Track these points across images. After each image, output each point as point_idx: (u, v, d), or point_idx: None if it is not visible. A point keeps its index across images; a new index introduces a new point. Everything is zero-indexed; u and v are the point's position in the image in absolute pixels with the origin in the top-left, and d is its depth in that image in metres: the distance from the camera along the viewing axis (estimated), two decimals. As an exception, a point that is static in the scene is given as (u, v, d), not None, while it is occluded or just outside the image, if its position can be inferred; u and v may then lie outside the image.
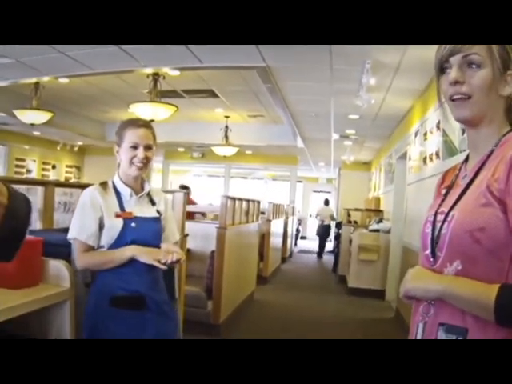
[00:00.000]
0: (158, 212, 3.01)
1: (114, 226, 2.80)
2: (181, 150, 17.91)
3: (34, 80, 8.43)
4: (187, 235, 4.79)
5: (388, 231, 9.95)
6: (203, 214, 8.96)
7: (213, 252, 6.31)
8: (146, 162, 2.89)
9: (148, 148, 2.90)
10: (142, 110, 8.11)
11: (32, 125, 9.85)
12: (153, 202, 3.05)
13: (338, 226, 14.14)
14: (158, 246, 2.89)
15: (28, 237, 2.98)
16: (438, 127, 5.89)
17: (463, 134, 4.64)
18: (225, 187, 18.99)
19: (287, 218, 14.77)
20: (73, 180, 17.28)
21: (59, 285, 2.81)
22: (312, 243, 22.74)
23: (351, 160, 15.15)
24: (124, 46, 5.90)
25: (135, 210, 2.90)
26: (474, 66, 1.44)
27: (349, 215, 12.90)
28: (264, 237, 10.69)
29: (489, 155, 1.48)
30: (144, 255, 2.74)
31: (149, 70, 7.53)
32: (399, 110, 8.51)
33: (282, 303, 9.02)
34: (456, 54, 1.46)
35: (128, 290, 2.77)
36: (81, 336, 2.82)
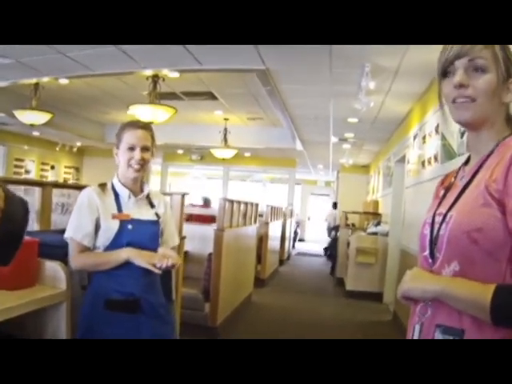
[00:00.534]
0: (156, 215, 3.00)
1: (110, 228, 2.80)
2: (180, 152, 17.91)
3: (33, 80, 8.43)
4: (184, 237, 4.79)
5: (386, 234, 9.95)
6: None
7: (210, 254, 6.30)
8: (143, 163, 2.88)
9: (145, 149, 2.89)
10: (141, 112, 8.12)
11: (31, 125, 9.86)
12: (152, 205, 3.04)
13: (336, 228, 14.14)
14: (154, 250, 2.87)
15: (24, 237, 2.97)
16: (436, 131, 5.89)
17: (462, 137, 4.65)
18: (223, 189, 18.98)
19: (285, 220, 14.76)
20: (71, 181, 17.27)
21: (55, 286, 2.80)
22: (310, 246, 22.76)
23: (350, 163, 15.16)
24: (124, 48, 5.90)
25: (133, 212, 2.89)
26: (479, 71, 1.45)
27: (346, 218, 12.89)
28: (262, 239, 10.68)
29: (487, 157, 1.48)
30: (139, 258, 2.74)
31: (148, 72, 7.53)
32: (398, 113, 8.51)
33: (279, 306, 9.00)
34: (462, 58, 1.46)
35: (123, 292, 2.76)
36: (76, 338, 2.81)
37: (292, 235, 18.31)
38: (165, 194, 3.61)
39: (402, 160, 8.76)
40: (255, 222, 8.97)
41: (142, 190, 3.01)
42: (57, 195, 4.21)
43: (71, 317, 2.81)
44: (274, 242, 12.25)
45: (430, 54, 4.96)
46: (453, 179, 1.65)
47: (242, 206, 7.66)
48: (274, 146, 14.15)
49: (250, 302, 8.62)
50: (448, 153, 5.25)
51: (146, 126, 2.99)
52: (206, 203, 9.90)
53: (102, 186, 2.93)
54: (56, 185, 4.92)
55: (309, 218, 26.80)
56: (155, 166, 17.84)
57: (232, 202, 6.93)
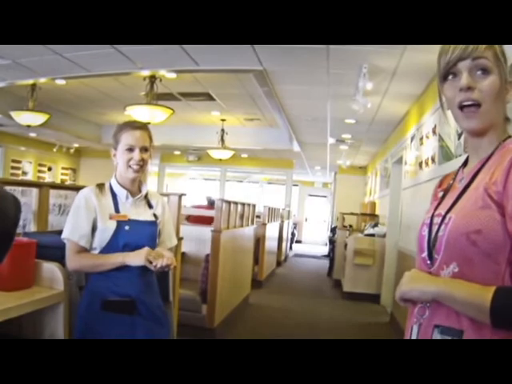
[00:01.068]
0: (154, 216, 3.00)
1: (107, 228, 2.79)
2: (177, 153, 17.90)
3: (30, 81, 8.41)
4: (182, 238, 4.79)
5: (383, 236, 9.95)
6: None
7: (208, 255, 6.30)
8: (143, 164, 2.88)
9: (144, 150, 2.89)
10: (138, 113, 8.10)
11: (28, 126, 9.83)
12: (150, 205, 3.04)
13: (333, 230, 14.14)
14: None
15: (22, 239, 2.97)
16: (434, 132, 5.89)
17: (459, 138, 4.64)
18: (220, 190, 18.97)
19: (282, 221, 14.76)
20: (68, 182, 17.26)
21: (53, 287, 2.80)
22: (308, 247, 22.77)
23: (347, 164, 15.16)
24: (121, 48, 5.89)
25: (131, 212, 2.89)
26: (483, 72, 1.45)
27: (343, 219, 12.89)
28: (259, 240, 10.68)
29: (487, 159, 1.48)
30: (134, 258, 2.73)
31: (146, 73, 7.52)
32: (395, 114, 8.51)
33: (276, 307, 9.00)
34: (466, 59, 1.46)
35: (119, 293, 2.76)
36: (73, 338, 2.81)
37: (289, 236, 18.31)
38: (162, 194, 3.60)
39: (400, 161, 8.76)
40: (252, 223, 8.96)
41: (140, 191, 3.00)
42: (54, 196, 4.20)
43: (69, 318, 2.81)
44: (271, 244, 12.25)
45: (427, 56, 4.97)
46: (451, 181, 1.65)
47: (240, 207, 7.66)
48: (271, 147, 14.14)
49: (247, 303, 8.61)
50: (445, 154, 5.25)
51: (144, 127, 2.98)
52: (211, 204, 9.88)
53: (100, 186, 2.93)
54: (53, 186, 4.91)
55: (306, 220, 26.78)
56: (152, 166, 17.82)
57: (229, 203, 6.93)
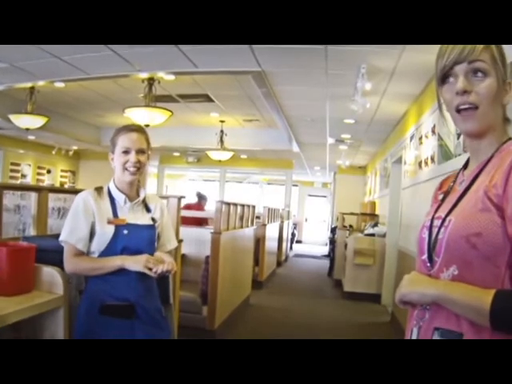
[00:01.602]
0: (152, 219, 2.99)
1: (106, 233, 2.79)
2: (176, 154, 17.89)
3: (29, 84, 8.42)
4: (181, 241, 4.78)
5: (383, 235, 9.95)
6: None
7: (208, 257, 6.30)
8: (139, 166, 2.88)
9: (141, 152, 2.88)
10: (137, 115, 8.10)
11: (27, 129, 9.83)
12: (148, 209, 3.03)
13: (333, 230, 14.14)
14: (151, 254, 2.86)
15: (21, 243, 2.97)
16: (433, 131, 5.89)
17: (458, 138, 4.64)
18: (220, 191, 18.96)
19: (282, 222, 14.76)
20: (68, 185, 17.25)
21: (52, 292, 2.79)
22: (307, 247, 22.76)
23: (347, 164, 15.16)
24: (119, 51, 5.89)
25: (129, 216, 2.88)
26: (479, 75, 1.44)
27: (343, 219, 12.88)
28: (259, 241, 10.68)
29: (487, 162, 1.47)
30: (133, 264, 2.73)
31: (144, 75, 7.52)
32: (394, 114, 8.51)
33: (277, 308, 9.00)
34: (462, 63, 1.45)
35: (118, 297, 2.76)
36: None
37: (289, 237, 18.31)
38: (161, 197, 3.59)
39: (399, 161, 8.76)
40: (252, 223, 8.96)
41: (138, 195, 3.00)
42: (53, 199, 4.20)
43: (69, 321, 2.81)
44: (271, 244, 12.25)
45: (426, 56, 4.97)
46: (452, 184, 1.65)
47: (239, 209, 7.66)
48: (270, 148, 14.13)
49: (247, 304, 8.61)
50: (445, 153, 5.24)
51: (141, 129, 2.98)
52: (200, 199, 9.82)
53: (98, 190, 2.93)
54: (52, 189, 4.90)
55: (306, 220, 26.78)
56: (152, 168, 17.81)
57: (229, 204, 6.92)
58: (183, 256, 5.97)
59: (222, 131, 12.52)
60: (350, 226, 12.82)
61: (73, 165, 17.99)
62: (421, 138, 6.70)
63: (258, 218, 10.38)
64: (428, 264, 1.50)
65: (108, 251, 2.78)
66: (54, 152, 16.04)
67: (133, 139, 2.87)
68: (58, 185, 16.47)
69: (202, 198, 9.86)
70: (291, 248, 19.85)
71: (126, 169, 2.85)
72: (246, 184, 25.35)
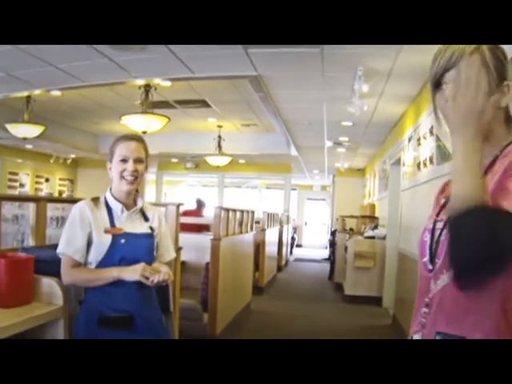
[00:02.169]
0: (150, 228, 2.97)
1: (103, 242, 2.77)
2: (174, 160, 17.90)
3: (25, 93, 8.41)
4: (181, 248, 4.77)
5: (383, 238, 9.95)
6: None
7: (208, 263, 6.29)
8: (137, 175, 2.86)
9: (139, 161, 2.87)
10: (134, 122, 8.10)
11: (24, 139, 9.83)
12: (146, 218, 3.01)
13: (333, 233, 14.14)
14: (149, 263, 2.84)
15: (20, 255, 2.96)
16: (431, 132, 5.88)
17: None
18: (219, 197, 18.98)
19: (282, 226, 14.76)
20: (66, 193, 17.26)
21: (52, 303, 2.77)
22: (308, 251, 22.79)
23: (345, 167, 15.15)
24: (115, 58, 5.90)
25: (126, 225, 2.86)
26: None
27: (344, 222, 12.88)
28: (259, 246, 10.67)
29: (489, 166, 1.45)
30: (130, 274, 2.71)
31: (140, 82, 7.51)
32: (392, 115, 8.52)
33: (278, 313, 8.99)
34: (451, 69, 1.43)
35: (117, 309, 2.74)
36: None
37: (289, 241, 18.31)
38: (159, 205, 3.58)
39: (398, 162, 8.77)
40: (252, 229, 8.95)
41: (135, 204, 2.98)
42: (51, 209, 4.18)
43: (69, 332, 2.79)
44: (271, 249, 12.25)
45: (422, 56, 4.96)
46: None
47: (238, 214, 7.65)
48: (268, 152, 14.16)
49: (249, 310, 8.60)
50: (443, 154, 5.24)
51: (139, 139, 2.97)
52: (200, 205, 9.83)
53: (95, 200, 2.92)
54: (50, 199, 4.89)
55: (306, 223, 26.81)
56: (150, 175, 17.82)
57: (228, 210, 6.92)
58: (183, 263, 5.95)
59: (219, 136, 12.55)
60: (351, 229, 12.82)
61: (71, 173, 18.01)
62: (419, 139, 6.70)
63: (257, 222, 10.38)
64: (429, 266, 1.50)
65: (106, 261, 2.76)
66: (52, 161, 16.06)
67: (131, 148, 2.86)
68: (56, 193, 16.49)
69: (201, 204, 9.86)
70: (291, 252, 19.85)
71: (123, 177, 2.84)
72: (244, 188, 25.37)
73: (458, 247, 1.27)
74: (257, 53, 5.49)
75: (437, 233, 1.50)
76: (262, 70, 6.19)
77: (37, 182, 16.25)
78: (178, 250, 4.54)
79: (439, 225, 1.51)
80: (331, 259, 13.92)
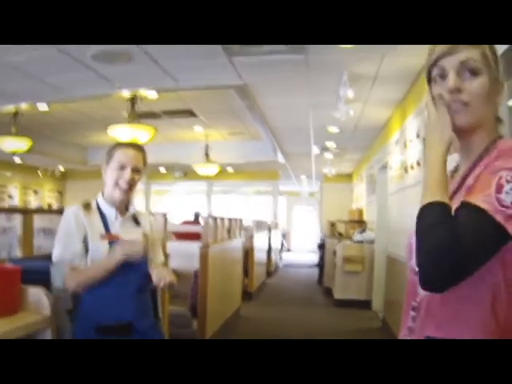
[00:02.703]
0: (143, 234, 2.95)
1: (100, 249, 2.71)
2: (162, 170, 17.87)
3: (12, 108, 8.40)
4: (168, 255, 4.78)
5: (372, 242, 9.97)
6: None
7: (196, 271, 6.29)
8: (133, 184, 2.84)
9: (136, 170, 2.85)
10: (120, 133, 8.07)
11: (13, 153, 9.79)
12: (138, 224, 3.01)
13: (323, 238, 14.15)
14: (145, 269, 2.79)
15: (6, 266, 2.94)
16: (417, 135, 5.91)
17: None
18: (207, 205, 18.98)
19: (270, 232, 14.76)
20: (55, 205, 17.19)
21: (39, 312, 2.76)
22: (297, 256, 22.81)
23: (333, 172, 15.16)
24: (101, 70, 5.91)
25: (121, 232, 2.82)
26: (471, 73, 1.43)
27: (332, 225, 12.90)
28: (248, 252, 10.67)
29: (475, 164, 1.46)
30: (130, 249, 2.68)
31: (126, 93, 7.52)
32: (378, 120, 8.56)
33: (268, 318, 8.99)
34: (452, 55, 1.44)
35: (115, 317, 2.68)
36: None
37: (278, 247, 18.31)
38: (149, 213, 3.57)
39: (385, 167, 8.79)
40: (240, 236, 8.96)
41: (126, 210, 2.96)
42: (37, 220, 4.17)
43: (57, 341, 2.78)
44: (260, 255, 12.25)
45: (407, 59, 5.01)
46: None
47: (227, 222, 7.66)
48: (255, 160, 14.19)
49: (238, 315, 8.60)
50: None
51: (140, 148, 2.95)
52: (197, 217, 10.05)
53: (86, 205, 2.84)
54: (37, 211, 4.88)
55: (294, 229, 26.94)
56: (139, 185, 17.77)
57: (215, 218, 6.94)
58: (172, 271, 5.95)
59: (206, 145, 12.56)
60: (340, 234, 12.84)
61: (59, 185, 17.97)
62: (405, 143, 6.71)
63: (246, 229, 10.40)
64: (417, 269, 1.49)
65: None
66: (40, 174, 16.01)
67: (130, 156, 2.83)
68: (45, 205, 16.42)
69: (198, 216, 10.13)
70: (281, 258, 19.84)
71: (118, 185, 2.80)
72: (232, 195, 25.38)
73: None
74: (242, 62, 5.52)
75: None
76: (248, 78, 6.22)
77: (25, 194, 16.20)
78: (166, 257, 4.55)
79: None
80: (320, 264, 13.92)
